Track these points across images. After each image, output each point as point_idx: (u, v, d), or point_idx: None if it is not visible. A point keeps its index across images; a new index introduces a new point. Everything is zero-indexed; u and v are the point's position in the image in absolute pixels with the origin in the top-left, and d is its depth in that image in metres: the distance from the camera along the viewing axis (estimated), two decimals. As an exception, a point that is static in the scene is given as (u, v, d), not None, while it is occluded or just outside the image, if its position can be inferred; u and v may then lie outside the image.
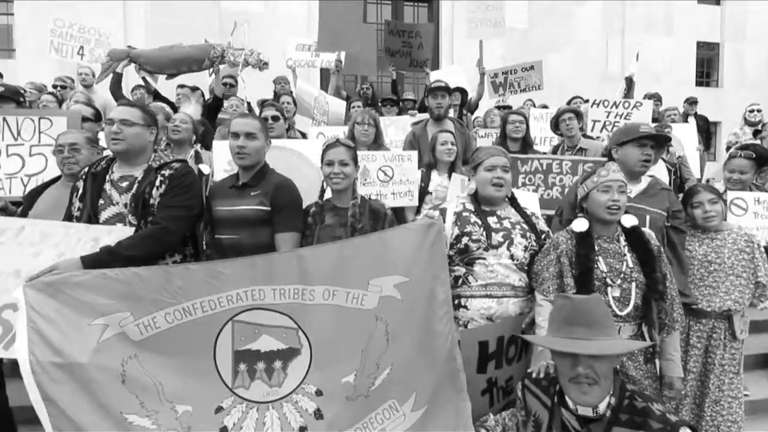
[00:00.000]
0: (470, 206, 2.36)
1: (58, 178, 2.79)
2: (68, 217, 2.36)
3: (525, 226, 2.34)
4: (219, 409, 1.94)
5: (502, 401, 2.32)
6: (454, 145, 3.39)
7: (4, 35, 12.45)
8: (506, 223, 2.31)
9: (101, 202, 2.29)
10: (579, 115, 3.99)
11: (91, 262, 1.97)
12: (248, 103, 5.90)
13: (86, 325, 1.88)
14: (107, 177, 2.34)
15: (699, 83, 14.70)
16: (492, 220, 2.30)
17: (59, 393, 1.80)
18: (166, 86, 5.49)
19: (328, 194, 2.53)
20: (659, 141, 2.62)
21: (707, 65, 15.02)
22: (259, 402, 1.97)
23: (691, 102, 6.95)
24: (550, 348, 1.44)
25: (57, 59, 6.67)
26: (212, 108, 5.03)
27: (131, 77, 5.83)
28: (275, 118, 3.70)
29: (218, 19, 11.02)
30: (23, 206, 2.66)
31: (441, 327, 2.00)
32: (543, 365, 1.79)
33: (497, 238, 2.24)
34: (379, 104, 5.70)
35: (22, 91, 4.43)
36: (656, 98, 6.30)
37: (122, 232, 2.20)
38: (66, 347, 1.83)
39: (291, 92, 5.97)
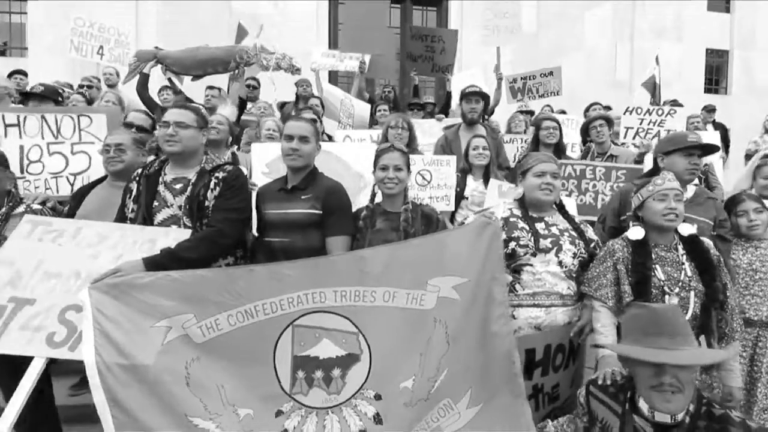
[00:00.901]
0: (517, 212, 2.37)
1: (104, 178, 2.80)
2: (121, 218, 2.37)
3: (573, 233, 2.34)
4: (279, 413, 1.94)
5: (547, 407, 2.32)
6: (486, 149, 3.41)
7: (18, 33, 12.53)
8: (554, 230, 2.32)
9: (155, 204, 2.30)
10: (610, 122, 4.00)
11: (152, 264, 1.98)
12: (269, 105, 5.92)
13: (150, 327, 1.89)
14: (160, 179, 2.35)
15: (708, 90, 14.74)
16: (540, 226, 2.31)
17: (125, 394, 1.81)
18: (191, 88, 5.49)
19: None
20: (706, 150, 2.63)
21: (716, 72, 15.06)
22: (318, 408, 1.96)
23: (709, 110, 6.97)
24: (640, 358, 1.45)
25: (73, 58, 6.72)
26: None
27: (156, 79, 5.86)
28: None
29: (228, 19, 11.07)
30: (70, 206, 2.67)
31: (498, 328, 2.00)
32: (609, 372, 1.79)
33: (545, 243, 2.25)
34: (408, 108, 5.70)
35: (61, 91, 4.44)
36: (676, 105, 6.30)
37: (178, 234, 2.21)
38: (132, 349, 1.84)
39: (313, 95, 6.00)
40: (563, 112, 7.24)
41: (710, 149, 2.67)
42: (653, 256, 2.13)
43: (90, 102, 4.93)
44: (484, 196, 3.32)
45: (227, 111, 3.62)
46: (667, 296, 2.08)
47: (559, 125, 3.87)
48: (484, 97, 4.05)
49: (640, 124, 3.86)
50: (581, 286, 2.27)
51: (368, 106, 5.40)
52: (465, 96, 4.00)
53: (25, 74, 5.99)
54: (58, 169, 3.01)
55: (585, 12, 13.52)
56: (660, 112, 3.85)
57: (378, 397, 1.98)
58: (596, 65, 13.61)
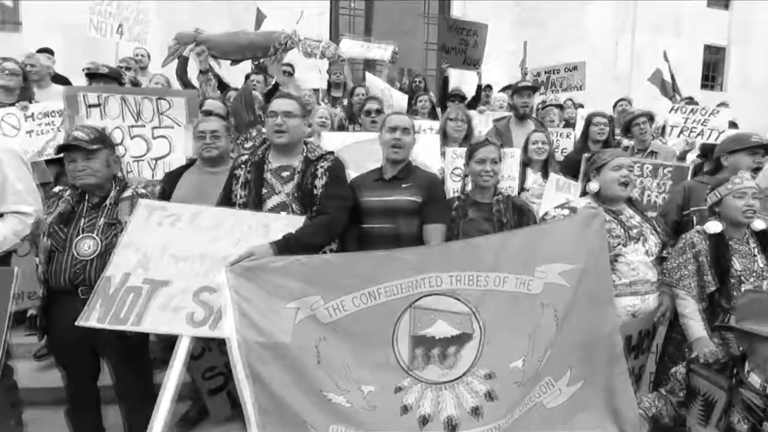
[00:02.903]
0: (596, 205, 2.52)
1: (190, 163, 2.86)
2: (226, 202, 2.45)
3: (648, 224, 2.52)
4: (398, 389, 2.08)
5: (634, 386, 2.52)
6: (546, 144, 3.55)
7: (11, 10, 12.14)
8: (635, 221, 2.49)
9: (264, 191, 2.39)
10: (652, 119, 4.18)
11: (281, 248, 2.09)
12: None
13: (282, 308, 2.00)
14: (265, 166, 2.44)
15: (704, 86, 15.09)
16: (622, 218, 2.48)
17: (266, 371, 1.93)
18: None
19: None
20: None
21: (712, 68, 15.42)
22: (434, 382, 2.10)
23: (724, 106, 7.20)
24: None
25: (93, 38, 6.60)
26: (271, 95, 5.08)
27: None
28: (379, 112, 3.80)
29: (227, 5, 10.91)
30: (164, 189, 2.73)
31: (604, 312, 2.16)
32: (710, 351, 1.99)
33: (633, 234, 2.42)
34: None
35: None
36: (693, 103, 6.53)
37: (288, 219, 2.31)
38: (270, 328, 1.96)
39: (345, 82, 6.06)
40: (581, 106, 7.43)
41: (772, 149, 2.85)
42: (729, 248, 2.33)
43: (134, 85, 4.91)
44: (543, 189, 3.47)
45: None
46: (743, 285, 2.28)
47: (611, 122, 4.03)
48: (535, 91, 4.18)
49: (685, 122, 4.05)
50: (662, 275, 2.45)
51: (405, 97, 5.48)
52: (517, 90, 4.13)
53: (52, 52, 5.89)
54: (140, 153, 3.05)
55: (586, 6, 13.67)
56: (704, 111, 4.04)
57: (489, 375, 2.12)
58: (597, 58, 13.81)
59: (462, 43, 5.77)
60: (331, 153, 2.52)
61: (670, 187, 3.52)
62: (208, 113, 3.24)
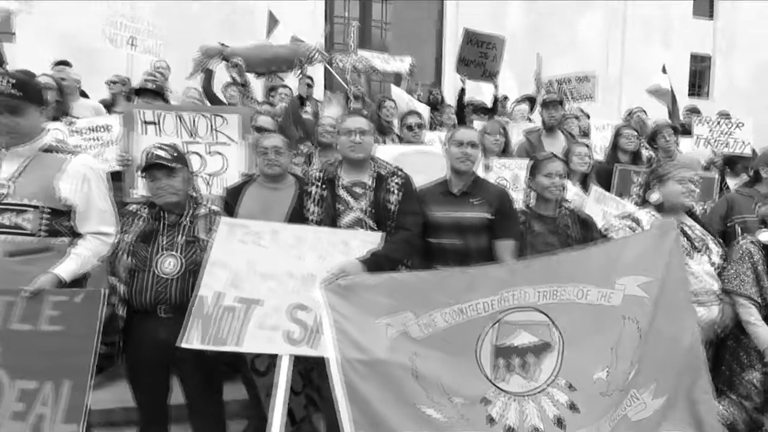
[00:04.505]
0: (659, 217, 2.62)
1: (250, 178, 2.88)
2: (298, 218, 2.47)
3: (709, 235, 2.61)
4: (484, 401, 2.13)
5: None
6: (588, 157, 3.65)
7: (6, 20, 11.93)
8: (697, 232, 2.59)
9: (339, 207, 2.42)
10: (676, 131, 4.32)
11: (369, 265, 2.12)
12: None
13: (375, 324, 2.04)
14: (337, 182, 2.47)
15: (691, 94, 15.55)
16: (685, 228, 2.57)
17: (365, 388, 1.96)
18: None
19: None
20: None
21: (699, 77, 15.91)
22: (518, 394, 2.15)
23: (725, 116, 7.45)
24: None
25: (107, 49, 6.56)
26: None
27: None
28: (420, 126, 3.86)
29: (225, 10, 10.94)
30: (227, 204, 2.73)
31: (685, 323, 2.24)
32: None
33: (696, 243, 2.51)
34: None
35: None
36: (697, 112, 6.75)
37: (365, 236, 2.35)
38: (367, 345, 1.99)
39: (364, 95, 6.11)
40: (588, 116, 7.61)
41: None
42: None
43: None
44: (583, 200, 3.57)
45: (334, 111, 3.71)
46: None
47: (639, 133, 4.16)
48: (562, 104, 4.30)
49: (711, 134, 4.21)
50: (722, 283, 2.55)
51: (427, 108, 5.56)
52: (545, 104, 4.24)
53: (69, 65, 5.83)
54: (195, 169, 3.05)
55: (577, 15, 14.01)
56: (728, 123, 4.21)
57: (570, 386, 2.17)
58: (587, 67, 14.15)
59: (482, 56, 5.87)
60: (400, 169, 2.56)
61: (697, 196, 3.64)
62: (260, 129, 3.26)
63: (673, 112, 7.50)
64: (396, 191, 2.43)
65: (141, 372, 2.32)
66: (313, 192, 2.47)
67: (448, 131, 2.71)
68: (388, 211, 2.40)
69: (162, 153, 2.25)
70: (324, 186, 2.45)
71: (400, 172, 2.52)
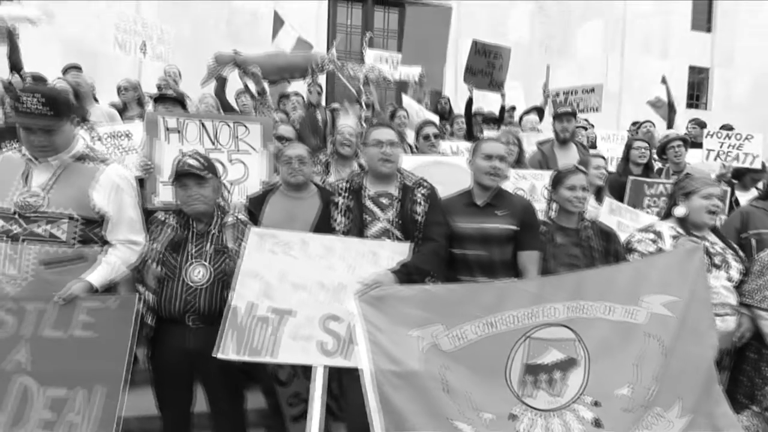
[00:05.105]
0: (682, 231, 2.65)
1: (272, 186, 2.89)
2: (324, 228, 2.48)
3: (731, 250, 2.65)
4: (512, 417, 2.13)
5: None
6: (604, 169, 3.69)
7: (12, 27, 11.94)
8: (718, 248, 2.62)
9: (366, 217, 2.44)
10: (686, 143, 4.39)
11: (401, 276, 2.14)
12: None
13: (406, 335, 2.05)
14: (364, 193, 2.49)
15: (689, 105, 15.73)
16: (706, 245, 2.60)
17: (398, 399, 1.96)
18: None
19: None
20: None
21: (697, 88, 16.12)
22: (544, 410, 2.16)
23: (728, 129, 7.55)
24: None
25: (117, 55, 6.60)
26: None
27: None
28: (437, 136, 3.89)
29: (228, 16, 11.00)
30: (250, 212, 2.73)
31: (707, 340, 2.26)
32: None
33: (716, 260, 2.55)
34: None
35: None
36: (704, 125, 6.84)
37: (393, 246, 2.36)
38: (400, 356, 2.00)
39: (373, 103, 6.14)
40: (593, 126, 7.69)
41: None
42: None
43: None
44: (598, 211, 3.60)
45: (351, 121, 3.73)
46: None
47: (651, 146, 4.22)
48: (574, 116, 4.35)
49: (721, 147, 4.27)
50: (741, 297, 2.58)
51: (437, 117, 5.60)
52: (558, 117, 4.29)
53: (80, 69, 5.84)
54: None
55: (577, 27, 14.17)
56: (738, 136, 4.28)
57: (596, 403, 2.18)
58: (589, 77, 14.32)
59: (489, 66, 5.93)
60: (425, 179, 2.58)
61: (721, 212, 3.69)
62: (281, 138, 3.27)
63: (669, 123, 7.60)
64: (422, 202, 2.45)
65: (167, 380, 2.32)
66: (340, 202, 2.48)
67: (474, 143, 2.73)
68: (415, 222, 2.41)
69: (194, 162, 2.26)
70: (350, 196, 2.47)
71: (425, 183, 2.54)
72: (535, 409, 2.15)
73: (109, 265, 2.18)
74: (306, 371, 2.69)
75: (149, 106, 5.07)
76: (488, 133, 4.96)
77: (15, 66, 4.59)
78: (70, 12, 10.29)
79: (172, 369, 2.27)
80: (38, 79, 5.34)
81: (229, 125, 3.11)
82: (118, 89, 5.25)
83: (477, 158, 2.61)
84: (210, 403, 2.46)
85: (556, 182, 2.69)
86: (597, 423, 2.16)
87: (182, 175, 2.25)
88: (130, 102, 5.16)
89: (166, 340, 2.25)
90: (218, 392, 2.38)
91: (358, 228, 2.42)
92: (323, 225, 2.52)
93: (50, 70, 6.54)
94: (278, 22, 7.09)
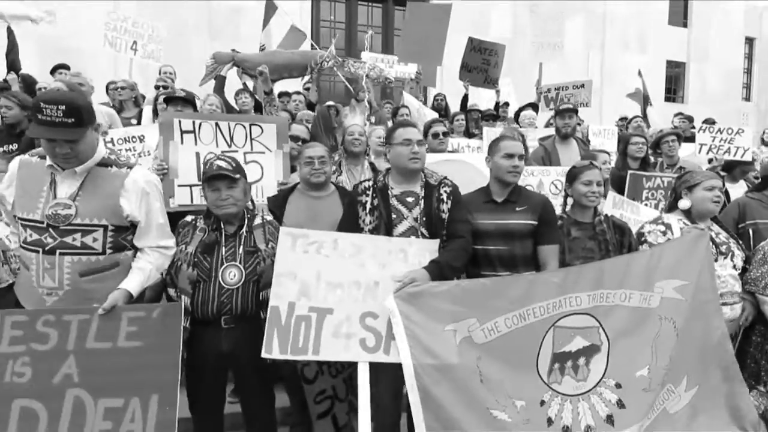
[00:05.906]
0: (687, 222, 2.78)
1: (294, 186, 2.92)
2: (350, 227, 2.52)
3: (734, 240, 2.79)
4: (542, 403, 2.23)
5: None
6: (608, 164, 3.81)
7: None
8: (722, 237, 2.76)
9: (393, 216, 2.49)
10: (680, 138, 4.56)
11: (435, 273, 2.20)
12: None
13: (442, 330, 2.12)
14: (389, 192, 2.54)
15: (667, 99, 16.19)
16: (711, 234, 2.74)
17: (438, 392, 2.04)
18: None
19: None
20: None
21: (674, 82, 16.58)
22: (571, 395, 2.27)
23: (711, 123, 7.83)
24: None
25: (107, 53, 6.51)
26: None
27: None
28: (445, 134, 3.95)
29: (208, 14, 10.85)
30: (273, 212, 2.75)
31: (715, 322, 2.40)
32: None
33: (722, 248, 2.68)
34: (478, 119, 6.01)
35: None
36: (691, 120, 7.08)
37: (420, 243, 2.42)
38: (438, 350, 2.07)
39: (371, 101, 6.17)
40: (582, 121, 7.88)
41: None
42: None
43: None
44: (602, 205, 3.73)
45: (359, 119, 3.76)
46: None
47: (647, 141, 4.37)
48: (576, 112, 4.47)
49: (713, 141, 4.45)
50: (745, 285, 2.73)
51: (436, 114, 5.66)
52: (559, 113, 4.40)
53: (68, 68, 5.72)
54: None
55: (561, 23, 14.41)
56: (730, 131, 4.46)
57: (618, 385, 2.31)
58: (572, 72, 14.58)
59: (484, 62, 6.03)
60: (446, 177, 2.64)
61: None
62: (296, 138, 3.28)
63: (644, 113, 7.87)
64: (446, 200, 2.51)
65: (201, 381, 2.33)
66: (366, 201, 2.52)
67: (492, 142, 2.80)
68: (441, 220, 2.47)
69: (223, 164, 2.27)
70: (375, 195, 2.51)
71: (447, 181, 2.60)
72: (563, 394, 2.25)
73: (143, 270, 2.19)
74: (330, 368, 2.76)
75: (146, 107, 5.01)
76: (488, 129, 5.04)
77: (12, 65, 4.47)
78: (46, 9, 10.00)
79: (206, 369, 2.28)
80: (28, 80, 5.22)
81: (244, 126, 3.11)
82: (107, 87, 5.15)
83: (497, 157, 2.67)
84: (243, 403, 2.49)
85: (572, 178, 2.78)
86: (620, 404, 2.28)
87: (213, 178, 2.26)
88: (127, 102, 5.09)
89: (201, 341, 2.26)
90: (251, 392, 2.41)
91: (386, 227, 2.46)
92: (347, 224, 2.55)
93: (26, 67, 6.40)
94: (271, 9, 6.95)
